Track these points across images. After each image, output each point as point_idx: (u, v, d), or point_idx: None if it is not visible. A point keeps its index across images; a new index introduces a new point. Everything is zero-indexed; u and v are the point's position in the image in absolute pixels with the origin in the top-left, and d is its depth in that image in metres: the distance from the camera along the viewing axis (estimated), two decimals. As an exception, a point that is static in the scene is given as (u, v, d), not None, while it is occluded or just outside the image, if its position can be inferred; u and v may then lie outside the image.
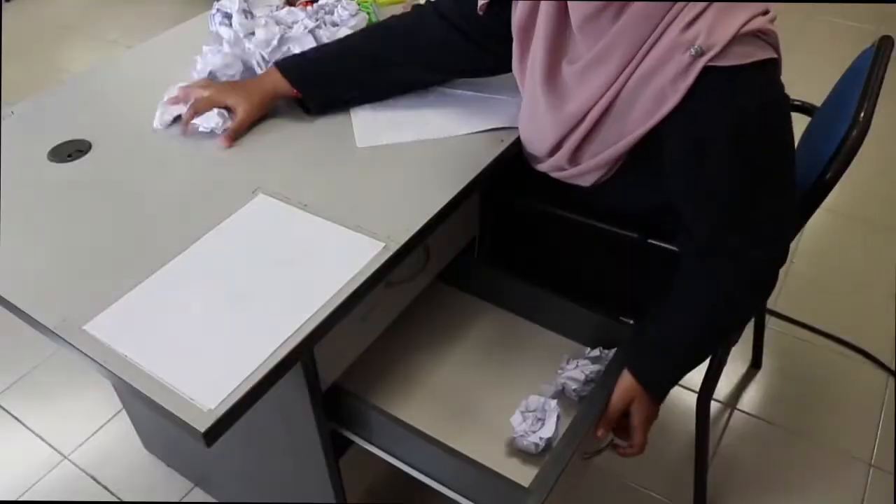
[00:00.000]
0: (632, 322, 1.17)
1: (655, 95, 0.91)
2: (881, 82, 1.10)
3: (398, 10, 1.57)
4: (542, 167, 1.11)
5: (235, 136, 1.17)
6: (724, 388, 1.74)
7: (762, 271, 1.00)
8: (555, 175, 1.11)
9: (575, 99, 0.99)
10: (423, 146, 1.15)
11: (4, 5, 3.91)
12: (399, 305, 1.16)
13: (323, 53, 1.24)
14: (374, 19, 1.52)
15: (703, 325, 1.03)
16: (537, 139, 1.08)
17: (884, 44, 1.16)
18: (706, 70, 0.86)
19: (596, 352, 1.14)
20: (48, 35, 3.65)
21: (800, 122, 1.32)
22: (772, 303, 1.89)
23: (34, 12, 3.86)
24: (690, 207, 0.98)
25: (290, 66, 1.20)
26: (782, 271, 1.00)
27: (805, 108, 1.34)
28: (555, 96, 1.02)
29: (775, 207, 0.96)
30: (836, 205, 2.19)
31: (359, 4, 1.53)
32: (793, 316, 1.88)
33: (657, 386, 1.05)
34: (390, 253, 0.96)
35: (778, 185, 0.95)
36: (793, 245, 1.01)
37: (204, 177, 1.12)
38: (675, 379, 1.07)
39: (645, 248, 1.14)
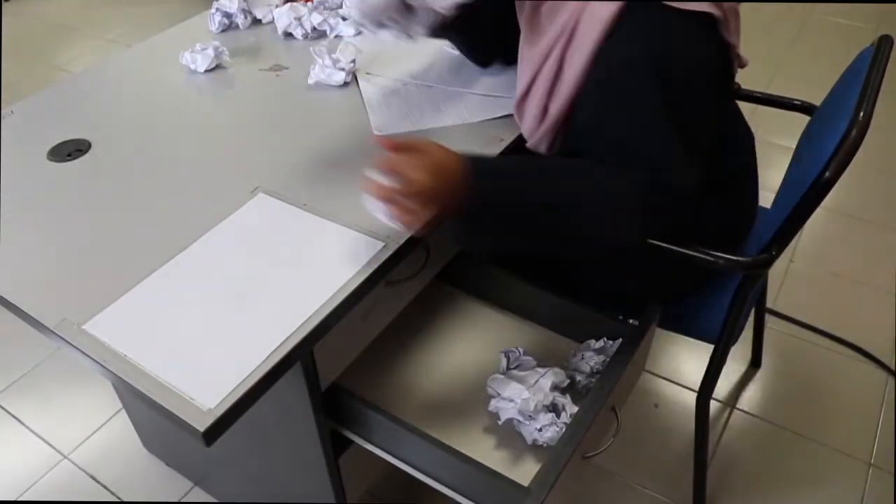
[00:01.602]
0: (631, 321, 1.17)
1: (591, 23, 0.97)
2: (881, 82, 1.09)
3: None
4: (525, 131, 1.14)
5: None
6: (723, 387, 1.74)
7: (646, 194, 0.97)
8: (531, 145, 1.14)
9: (546, 34, 1.04)
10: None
11: (4, 5, 3.91)
12: (399, 305, 1.16)
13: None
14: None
15: (569, 186, 0.97)
16: (520, 84, 1.12)
17: (883, 43, 1.16)
18: (632, 5, 0.92)
19: (600, 343, 1.15)
20: (47, 34, 3.65)
21: (799, 122, 1.33)
22: (771, 302, 1.90)
23: (33, 12, 3.86)
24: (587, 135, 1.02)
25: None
26: (782, 269, 1.00)
27: (804, 108, 1.34)
28: (533, 33, 1.08)
29: (659, 140, 0.97)
30: (835, 204, 2.20)
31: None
32: (792, 315, 1.88)
33: (477, 182, 0.89)
34: (390, 252, 0.96)
35: (662, 124, 0.96)
36: (792, 244, 1.01)
37: (203, 176, 1.12)
38: (497, 200, 0.91)
39: (644, 248, 1.14)
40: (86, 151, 1.18)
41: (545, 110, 1.08)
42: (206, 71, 1.36)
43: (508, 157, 1.10)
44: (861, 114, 1.02)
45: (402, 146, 0.89)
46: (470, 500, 1.02)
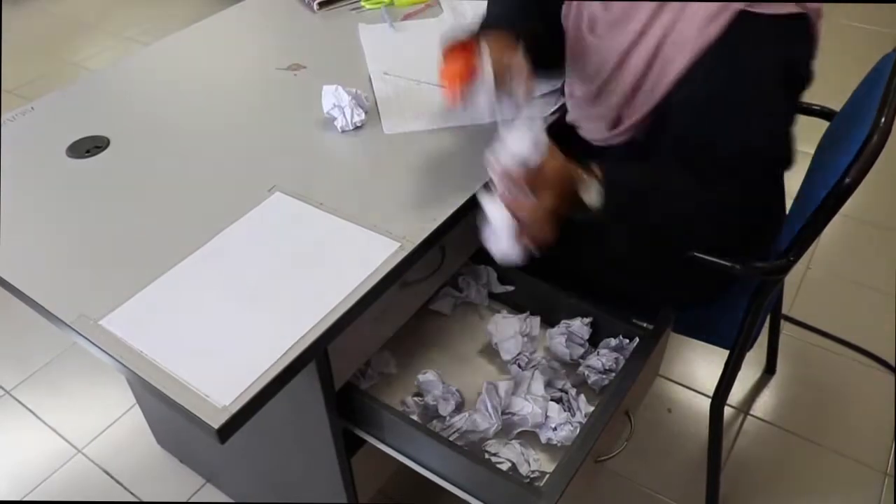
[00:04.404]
0: (646, 325, 1.16)
1: (686, 39, 0.95)
2: (902, 87, 1.08)
3: (415, 8, 1.57)
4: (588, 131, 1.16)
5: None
6: (737, 393, 1.73)
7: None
8: (597, 139, 1.14)
9: (612, 38, 1.04)
10: (439, 146, 1.15)
11: (23, 2, 3.95)
12: (413, 305, 1.16)
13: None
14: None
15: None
16: (579, 87, 1.13)
17: (905, 49, 1.15)
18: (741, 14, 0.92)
19: (615, 341, 1.14)
20: (66, 32, 3.68)
21: (818, 127, 1.32)
22: (787, 308, 1.88)
23: (52, 10, 3.90)
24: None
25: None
26: (798, 276, 0.99)
27: (824, 113, 1.33)
28: (594, 36, 1.07)
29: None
30: (854, 211, 2.18)
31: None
32: (808, 322, 1.87)
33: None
34: (405, 253, 0.96)
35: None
36: (808, 250, 0.99)
37: (221, 174, 1.13)
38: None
39: (661, 252, 1.14)
40: (104, 148, 1.19)
41: (619, 119, 1.08)
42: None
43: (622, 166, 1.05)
44: (882, 119, 1.01)
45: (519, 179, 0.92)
46: (482, 501, 1.01)
